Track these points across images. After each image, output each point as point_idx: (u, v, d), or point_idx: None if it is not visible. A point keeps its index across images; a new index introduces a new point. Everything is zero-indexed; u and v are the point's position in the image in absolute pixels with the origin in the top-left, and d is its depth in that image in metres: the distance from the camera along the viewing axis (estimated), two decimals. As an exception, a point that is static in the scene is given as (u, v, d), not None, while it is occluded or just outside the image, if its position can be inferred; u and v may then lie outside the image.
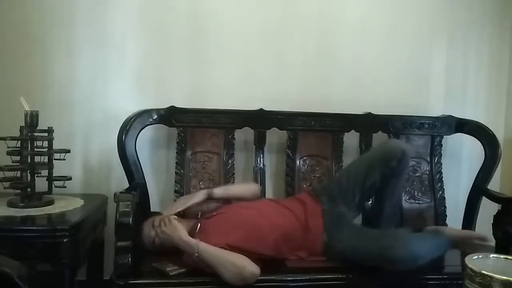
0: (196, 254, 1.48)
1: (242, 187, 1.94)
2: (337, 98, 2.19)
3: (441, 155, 2.18)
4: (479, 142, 2.13)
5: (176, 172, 2.00)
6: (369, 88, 2.23)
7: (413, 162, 2.14)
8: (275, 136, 2.13)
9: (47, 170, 1.75)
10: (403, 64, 2.26)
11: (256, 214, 1.70)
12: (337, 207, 1.79)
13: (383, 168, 1.77)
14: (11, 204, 1.68)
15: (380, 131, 2.13)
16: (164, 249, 1.64)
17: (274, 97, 2.13)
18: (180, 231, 1.55)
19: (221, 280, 1.47)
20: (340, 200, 1.81)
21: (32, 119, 1.67)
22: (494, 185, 2.14)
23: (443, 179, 2.17)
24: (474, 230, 2.07)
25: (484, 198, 2.05)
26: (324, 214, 1.75)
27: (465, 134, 2.19)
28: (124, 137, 1.84)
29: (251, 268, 1.46)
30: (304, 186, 2.06)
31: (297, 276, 1.55)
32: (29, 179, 1.68)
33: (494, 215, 1.85)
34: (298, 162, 2.09)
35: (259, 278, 1.48)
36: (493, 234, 1.83)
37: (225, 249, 1.52)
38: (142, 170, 1.89)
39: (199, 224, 1.68)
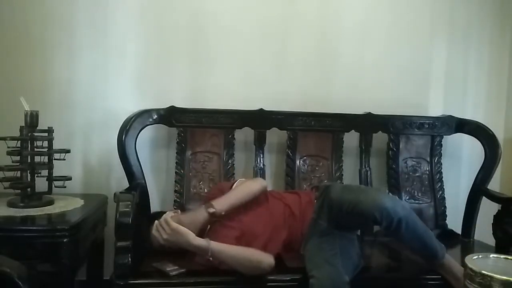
0: (210, 258, 1.46)
1: (244, 192, 1.68)
2: (337, 98, 2.19)
3: (441, 155, 2.18)
4: (479, 142, 2.12)
5: (176, 172, 2.00)
6: (369, 88, 2.23)
7: (413, 162, 2.15)
8: (275, 136, 2.13)
9: (47, 170, 1.75)
10: (403, 64, 2.26)
11: (262, 221, 1.67)
12: (321, 218, 1.60)
13: (363, 226, 1.66)
14: (11, 204, 1.68)
15: (380, 131, 2.13)
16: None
17: (274, 97, 2.13)
18: (185, 235, 1.45)
19: (221, 280, 1.49)
20: (326, 212, 1.59)
21: (32, 119, 1.67)
22: (494, 185, 2.14)
23: (443, 179, 2.16)
24: (474, 230, 2.07)
25: (484, 198, 2.04)
26: (310, 222, 1.66)
27: (465, 134, 2.19)
28: (124, 137, 1.84)
29: (267, 260, 1.50)
30: (305, 186, 2.06)
31: (297, 276, 1.54)
32: (29, 179, 1.69)
33: (494, 215, 1.85)
34: (298, 162, 2.09)
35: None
36: (493, 234, 1.83)
37: None
38: (142, 170, 1.89)
39: (208, 225, 1.64)
